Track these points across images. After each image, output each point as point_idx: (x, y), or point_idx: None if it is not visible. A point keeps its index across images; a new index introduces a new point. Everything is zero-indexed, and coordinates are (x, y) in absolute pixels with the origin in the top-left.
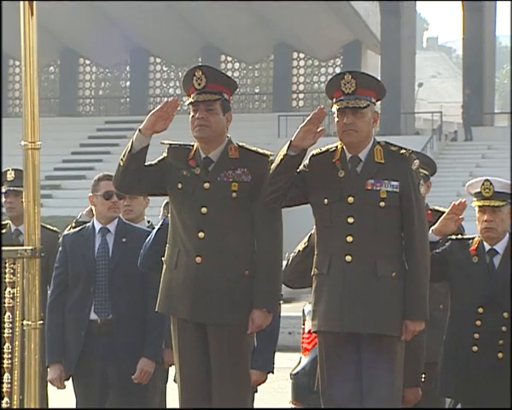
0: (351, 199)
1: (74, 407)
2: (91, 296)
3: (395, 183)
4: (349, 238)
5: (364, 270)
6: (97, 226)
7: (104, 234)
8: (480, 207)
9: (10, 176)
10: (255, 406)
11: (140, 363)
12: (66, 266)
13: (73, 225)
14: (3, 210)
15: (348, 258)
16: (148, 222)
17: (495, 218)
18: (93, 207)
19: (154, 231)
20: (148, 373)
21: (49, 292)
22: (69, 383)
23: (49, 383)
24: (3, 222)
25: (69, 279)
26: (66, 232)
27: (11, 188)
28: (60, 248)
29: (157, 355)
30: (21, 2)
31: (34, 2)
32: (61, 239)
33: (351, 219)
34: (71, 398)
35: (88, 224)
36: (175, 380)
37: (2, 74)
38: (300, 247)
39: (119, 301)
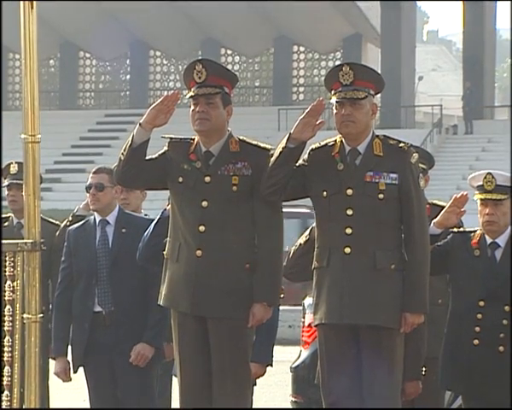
0: (350, 191)
1: (77, 398)
2: (94, 289)
3: (394, 175)
4: (348, 230)
5: (363, 262)
6: (97, 219)
7: (104, 226)
8: (481, 200)
9: (13, 169)
10: (255, 399)
11: (137, 346)
12: (70, 260)
13: (70, 218)
14: (4, 203)
15: (347, 250)
16: (146, 215)
17: (497, 211)
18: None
19: (153, 224)
20: (144, 357)
21: (49, 286)
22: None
23: (50, 379)
24: (6, 215)
25: (74, 273)
26: (70, 227)
27: (14, 181)
28: (65, 243)
29: (156, 341)
30: None
31: None
32: (66, 234)
33: (350, 211)
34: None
35: (90, 217)
36: (175, 374)
37: (2, 68)
38: (301, 240)
39: (121, 292)
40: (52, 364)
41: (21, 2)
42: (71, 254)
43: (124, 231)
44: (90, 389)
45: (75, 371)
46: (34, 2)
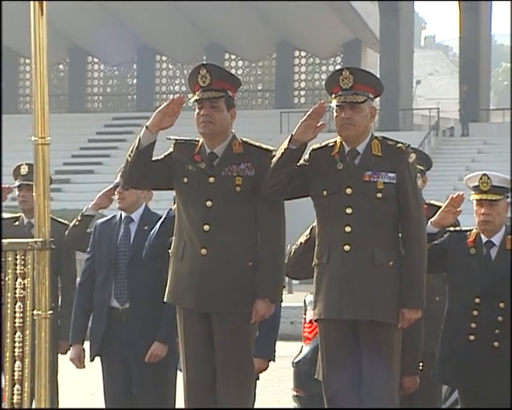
0: (349, 190)
1: (85, 392)
2: (112, 281)
3: (392, 174)
4: (347, 228)
5: (362, 259)
6: (123, 216)
7: (127, 223)
8: (477, 200)
9: (23, 170)
10: (258, 393)
11: (152, 346)
12: (94, 251)
13: (79, 218)
14: (15, 203)
15: (347, 247)
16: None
17: (492, 211)
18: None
19: (159, 223)
20: (157, 356)
21: (58, 283)
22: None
23: (59, 373)
24: (17, 215)
25: (96, 264)
26: (97, 220)
27: (24, 182)
28: (91, 236)
29: (169, 339)
30: (31, 2)
31: (44, 1)
32: (93, 226)
33: (349, 210)
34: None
35: (117, 213)
36: (180, 369)
37: (12, 72)
38: (302, 239)
39: (136, 287)
40: (61, 359)
41: (32, 8)
42: (95, 245)
43: (146, 228)
44: (105, 380)
45: (92, 360)
46: (44, 8)
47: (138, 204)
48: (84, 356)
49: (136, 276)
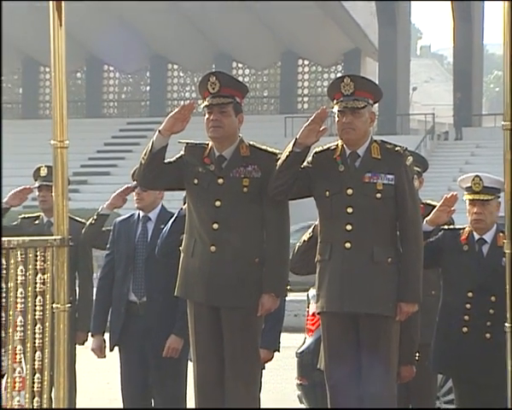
0: (350, 191)
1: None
2: (130, 276)
3: (390, 176)
4: (348, 227)
5: (362, 256)
6: (141, 215)
7: (145, 222)
8: (470, 200)
9: (43, 172)
10: (264, 381)
11: (168, 340)
12: (113, 248)
13: (95, 217)
14: (35, 203)
15: (348, 245)
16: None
17: (484, 210)
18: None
19: (170, 222)
20: (175, 349)
21: (76, 278)
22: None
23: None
24: (37, 214)
25: (115, 260)
26: (117, 218)
27: (44, 183)
28: (111, 233)
29: (184, 332)
30: (51, 14)
31: (63, 13)
32: (112, 224)
33: (350, 210)
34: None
35: (135, 212)
36: (191, 359)
37: (33, 80)
38: (305, 237)
39: (153, 282)
40: (78, 349)
41: (51, 20)
42: (114, 242)
43: (162, 227)
44: (122, 368)
45: (111, 350)
46: (63, 20)
47: (155, 204)
48: (105, 346)
49: (153, 271)
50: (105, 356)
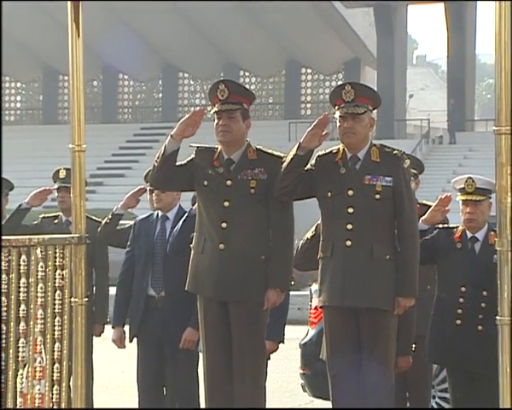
0: (350, 192)
1: (117, 370)
2: (149, 272)
3: (389, 178)
4: (349, 226)
5: (362, 253)
6: (159, 214)
7: (163, 221)
8: (463, 200)
9: (62, 174)
10: (269, 371)
11: (185, 332)
12: (133, 245)
13: (110, 217)
14: (54, 203)
15: (348, 243)
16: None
17: (476, 210)
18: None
19: (181, 221)
20: (191, 342)
21: (93, 274)
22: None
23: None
24: (56, 214)
25: (135, 257)
26: (137, 217)
27: (62, 184)
28: (131, 231)
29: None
30: (69, 26)
31: (81, 25)
32: (132, 223)
33: (350, 210)
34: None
35: (154, 211)
36: (201, 350)
37: (53, 88)
38: (309, 235)
39: (171, 278)
40: (95, 340)
41: (69, 32)
42: (134, 240)
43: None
44: (140, 357)
45: (130, 341)
46: (81, 32)
47: (173, 204)
48: (125, 338)
49: (171, 267)
50: (125, 346)
